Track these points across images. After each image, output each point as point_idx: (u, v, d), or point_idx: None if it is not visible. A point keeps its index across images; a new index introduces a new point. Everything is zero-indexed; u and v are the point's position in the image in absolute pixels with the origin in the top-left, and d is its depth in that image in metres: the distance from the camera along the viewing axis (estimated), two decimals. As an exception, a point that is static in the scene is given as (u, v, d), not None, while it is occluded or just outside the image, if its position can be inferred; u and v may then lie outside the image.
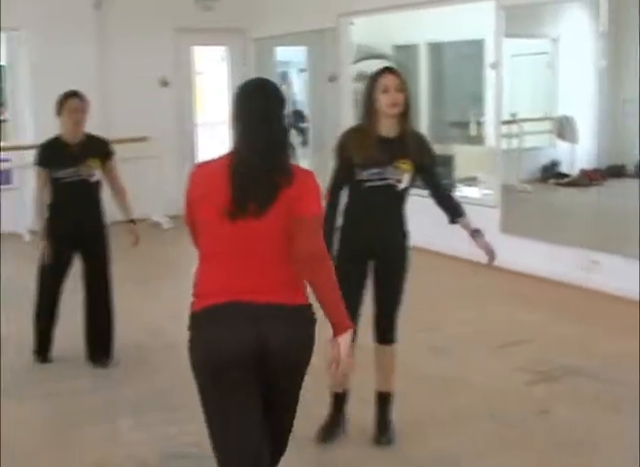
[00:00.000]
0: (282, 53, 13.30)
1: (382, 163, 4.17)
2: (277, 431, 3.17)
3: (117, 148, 6.11)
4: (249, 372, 2.94)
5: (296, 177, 2.95)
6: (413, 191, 4.35)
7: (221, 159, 3.02)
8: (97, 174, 5.70)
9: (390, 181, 4.20)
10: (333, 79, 10.66)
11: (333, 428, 4.50)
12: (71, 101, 5.59)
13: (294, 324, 2.97)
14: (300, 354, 3.01)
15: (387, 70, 4.22)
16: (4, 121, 12.91)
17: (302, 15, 10.90)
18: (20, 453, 4.49)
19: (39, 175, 5.65)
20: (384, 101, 4.11)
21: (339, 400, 4.50)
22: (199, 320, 2.99)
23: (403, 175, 4.21)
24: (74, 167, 5.58)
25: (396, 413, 4.53)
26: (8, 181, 11.16)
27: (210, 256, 3.02)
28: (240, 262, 2.95)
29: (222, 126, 13.66)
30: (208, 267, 3.03)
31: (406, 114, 4.18)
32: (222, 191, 2.91)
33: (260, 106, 2.98)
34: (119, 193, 5.89)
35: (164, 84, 11.77)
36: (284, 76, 14.91)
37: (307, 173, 3.02)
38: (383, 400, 4.50)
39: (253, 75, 12.24)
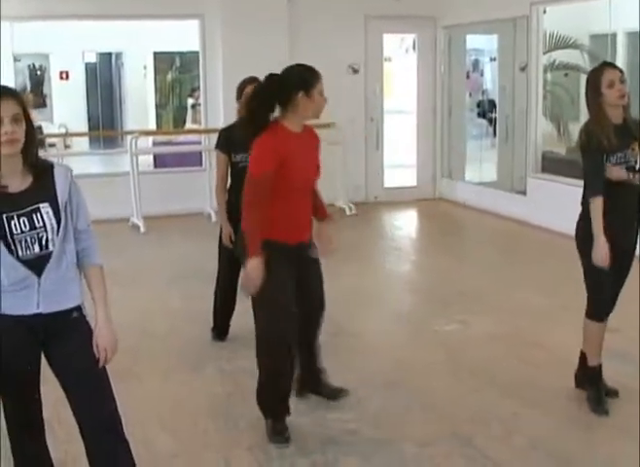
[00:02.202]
0: (474, 40, 13.07)
1: (621, 148, 4.59)
2: None
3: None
4: None
5: None
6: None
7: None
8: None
9: (630, 163, 4.64)
10: (524, 68, 10.39)
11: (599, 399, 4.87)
12: (250, 87, 5.63)
13: None
14: None
15: (608, 65, 4.74)
16: (198, 105, 13.43)
17: (493, 2, 10.69)
18: (186, 425, 4.68)
19: (218, 158, 5.81)
20: (614, 94, 4.54)
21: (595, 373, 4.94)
22: None
23: (637, 157, 4.68)
24: (248, 152, 5.65)
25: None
26: (199, 163, 11.59)
27: None
28: None
29: (407, 116, 13.64)
30: None
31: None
32: None
33: None
34: None
35: (355, 71, 11.83)
36: (475, 64, 14.69)
37: None
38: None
39: (442, 63, 12.17)
